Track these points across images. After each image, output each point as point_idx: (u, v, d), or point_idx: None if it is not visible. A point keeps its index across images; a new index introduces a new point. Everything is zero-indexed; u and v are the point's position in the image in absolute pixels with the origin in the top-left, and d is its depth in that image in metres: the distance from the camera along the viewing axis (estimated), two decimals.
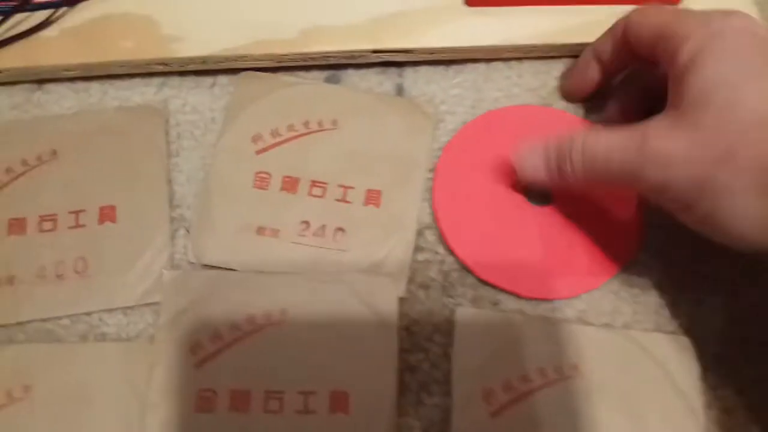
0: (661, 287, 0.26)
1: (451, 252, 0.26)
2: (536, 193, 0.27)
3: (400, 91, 0.29)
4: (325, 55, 0.29)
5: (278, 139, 0.28)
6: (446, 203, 0.27)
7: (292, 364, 0.24)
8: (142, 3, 0.28)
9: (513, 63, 0.29)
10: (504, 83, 0.29)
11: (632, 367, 0.24)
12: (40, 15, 0.28)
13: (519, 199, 0.27)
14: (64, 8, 0.28)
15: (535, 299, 0.25)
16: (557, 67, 0.29)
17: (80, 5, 0.28)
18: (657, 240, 0.26)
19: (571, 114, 0.29)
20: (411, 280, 0.25)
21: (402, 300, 0.25)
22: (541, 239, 0.26)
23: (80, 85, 0.28)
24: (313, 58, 0.29)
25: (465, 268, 0.26)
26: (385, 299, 0.25)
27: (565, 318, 0.25)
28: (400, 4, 0.29)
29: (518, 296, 0.25)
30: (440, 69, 0.29)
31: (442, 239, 0.26)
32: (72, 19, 0.28)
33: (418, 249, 0.26)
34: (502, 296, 0.25)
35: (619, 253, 0.26)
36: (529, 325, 0.25)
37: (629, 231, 0.26)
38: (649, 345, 0.24)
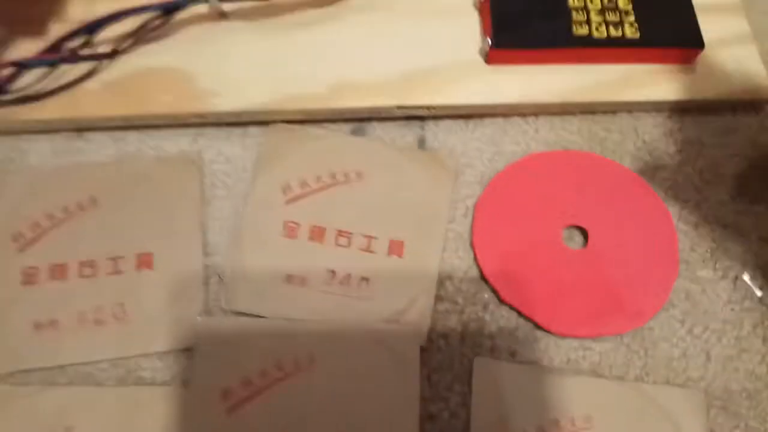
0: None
1: (493, 291, 0.27)
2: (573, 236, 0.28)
3: (422, 143, 0.31)
4: (352, 110, 0.30)
5: (306, 190, 0.29)
6: (485, 247, 0.28)
7: (320, 411, 0.25)
8: (180, 58, 0.30)
9: (530, 118, 0.31)
10: (521, 137, 0.31)
11: (643, 420, 0.25)
12: (83, 67, 0.30)
13: (557, 242, 0.28)
14: (106, 61, 0.30)
15: (566, 336, 0.27)
16: (573, 123, 0.31)
17: (121, 59, 0.30)
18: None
19: (607, 158, 0.30)
20: (431, 329, 0.27)
21: (423, 349, 0.26)
22: (577, 280, 0.27)
23: (118, 134, 0.30)
24: (340, 113, 0.30)
25: (483, 319, 0.27)
26: (408, 348, 0.26)
27: (579, 369, 0.26)
28: (423, 62, 0.30)
29: (551, 333, 0.27)
30: (460, 122, 0.31)
31: (482, 277, 0.28)
32: (113, 71, 0.30)
33: (438, 299, 0.27)
34: (518, 346, 0.26)
35: (652, 297, 0.27)
36: (545, 377, 0.26)
37: (665, 275, 0.28)
38: (660, 398, 0.26)
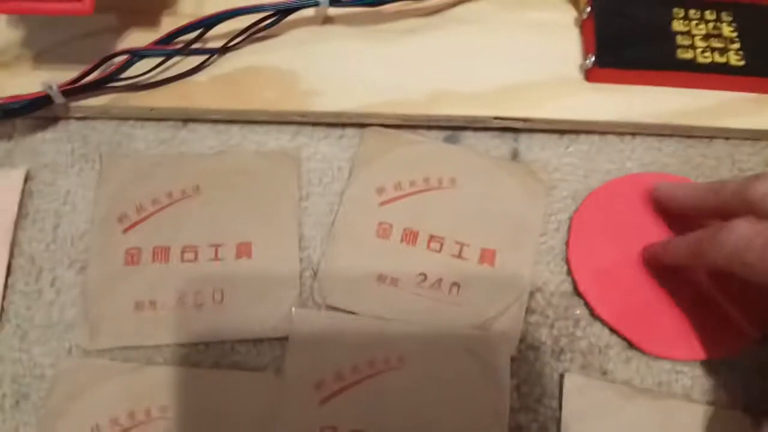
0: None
1: (587, 306, 0.27)
2: None
3: (515, 155, 0.31)
4: (448, 118, 0.30)
5: (400, 193, 0.29)
6: (581, 261, 0.28)
7: (407, 411, 0.25)
8: (286, 58, 0.31)
9: (626, 137, 0.31)
10: (617, 156, 0.31)
11: None
12: (193, 60, 0.31)
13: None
14: (215, 56, 0.31)
15: (660, 357, 0.26)
16: (669, 145, 0.31)
17: (229, 55, 0.31)
18: None
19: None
20: (521, 341, 0.27)
21: (512, 359, 0.26)
22: (674, 298, 0.27)
23: (221, 127, 0.31)
24: (436, 120, 0.31)
25: (574, 335, 0.27)
26: (499, 357, 0.26)
27: (671, 393, 0.26)
28: (522, 76, 0.31)
29: (642, 352, 0.26)
30: (554, 137, 0.31)
31: (575, 292, 0.28)
32: (221, 67, 0.31)
33: (528, 310, 0.27)
34: (611, 365, 0.26)
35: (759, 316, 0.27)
36: (636, 399, 0.25)
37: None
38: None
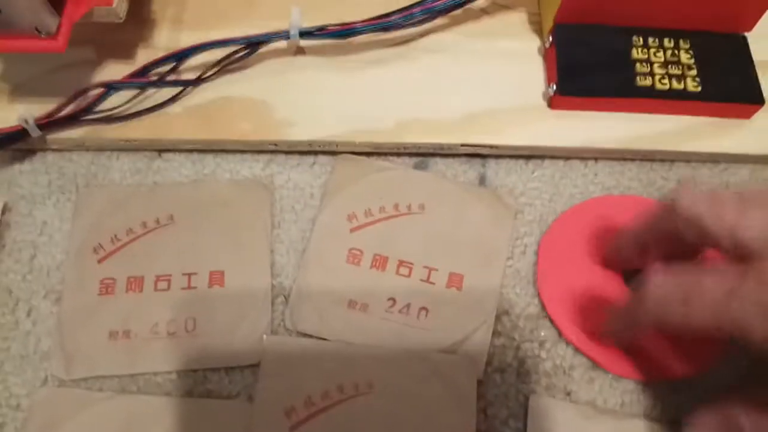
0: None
1: (554, 328, 0.28)
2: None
3: (482, 180, 0.32)
4: (417, 146, 0.31)
5: (370, 219, 0.30)
6: (548, 284, 0.29)
7: None
8: (259, 89, 0.32)
9: (589, 162, 0.32)
10: (580, 180, 0.31)
11: None
12: (168, 92, 0.31)
13: (617, 281, 0.29)
14: (190, 87, 0.32)
15: (623, 377, 0.27)
16: (631, 168, 0.32)
17: (203, 86, 0.32)
18: None
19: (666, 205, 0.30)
20: (488, 363, 0.27)
21: (479, 382, 0.27)
22: None
23: (196, 157, 0.32)
24: (405, 147, 0.31)
25: (539, 357, 0.28)
26: (466, 380, 0.27)
27: (634, 413, 0.27)
28: (488, 104, 0.32)
29: (608, 372, 0.27)
30: (521, 162, 0.32)
31: (541, 315, 0.28)
32: (195, 98, 0.32)
33: (495, 333, 0.28)
34: (574, 386, 0.27)
35: (713, 342, 0.27)
36: (598, 419, 0.26)
37: None
38: None
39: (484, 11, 0.34)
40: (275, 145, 0.31)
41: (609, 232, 0.30)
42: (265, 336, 0.27)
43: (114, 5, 0.28)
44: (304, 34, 0.31)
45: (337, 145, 0.31)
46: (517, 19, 0.34)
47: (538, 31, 0.34)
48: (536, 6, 0.34)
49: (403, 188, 0.31)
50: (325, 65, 0.33)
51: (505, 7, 0.34)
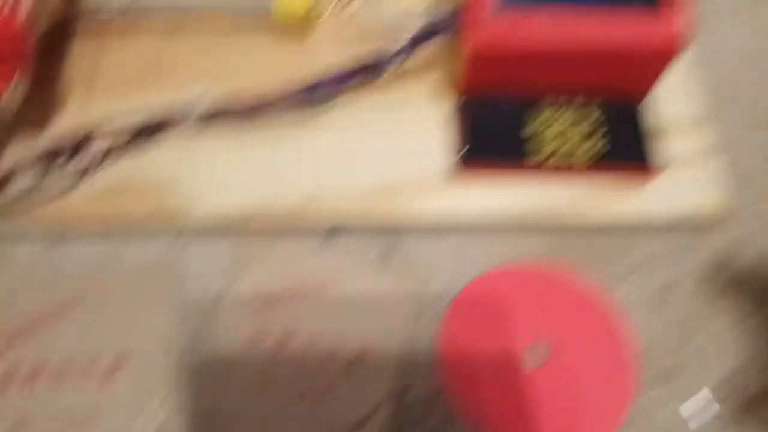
0: None
1: (452, 406, 0.28)
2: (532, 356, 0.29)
3: (389, 254, 0.32)
4: (322, 221, 0.31)
5: (276, 298, 0.30)
6: (449, 361, 0.29)
7: None
8: (162, 168, 0.32)
9: (495, 232, 0.32)
10: (487, 251, 0.32)
11: None
12: (69, 176, 0.31)
13: (517, 360, 0.29)
14: (92, 169, 0.31)
15: None
16: (536, 237, 0.32)
17: (105, 167, 0.32)
18: None
19: (571, 274, 0.31)
20: None
21: None
22: (535, 399, 0.28)
23: (98, 240, 0.31)
24: (311, 223, 0.31)
25: None
26: None
27: None
28: (393, 176, 0.32)
29: None
30: (426, 234, 0.32)
31: (442, 392, 0.28)
32: (97, 179, 0.31)
33: (396, 410, 0.28)
34: None
35: (609, 418, 0.28)
36: None
37: (624, 394, 0.28)
38: None
39: (392, 81, 0.34)
40: (179, 225, 0.31)
41: (512, 306, 0.30)
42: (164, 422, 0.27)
43: (2, 101, 0.28)
44: (205, 120, 0.31)
45: (242, 223, 0.31)
46: (425, 88, 0.34)
47: (445, 100, 0.34)
48: (444, 75, 0.35)
49: (309, 266, 0.31)
50: (231, 141, 0.33)
51: (412, 77, 0.35)
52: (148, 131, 0.31)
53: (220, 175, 0.32)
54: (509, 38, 0.29)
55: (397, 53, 0.32)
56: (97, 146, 0.31)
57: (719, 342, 0.30)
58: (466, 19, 0.29)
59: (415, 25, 0.32)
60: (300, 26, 0.35)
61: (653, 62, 0.31)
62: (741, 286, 0.31)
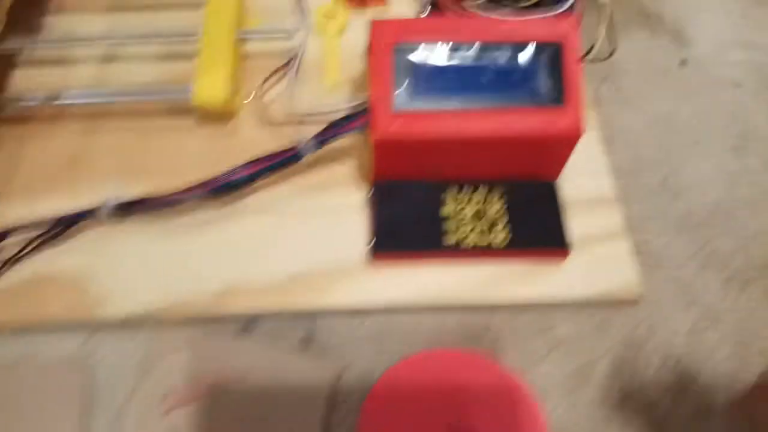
0: None
1: None
2: None
3: (308, 340, 0.32)
4: (240, 312, 0.31)
5: (187, 395, 0.30)
6: None
7: None
8: (75, 264, 0.32)
9: (412, 315, 0.32)
10: (404, 335, 0.32)
11: None
12: None
13: None
14: (2, 268, 0.31)
15: None
16: (453, 319, 0.32)
17: (16, 266, 0.31)
18: None
19: (486, 359, 0.31)
20: None
21: None
22: None
23: (8, 340, 0.31)
24: (227, 314, 0.31)
25: None
26: None
27: None
28: (312, 263, 0.32)
29: None
30: (346, 319, 0.32)
31: None
32: (8, 279, 0.31)
33: None
34: None
35: None
36: None
37: None
38: None
39: (311, 165, 0.35)
40: (90, 322, 0.31)
41: (429, 392, 0.30)
42: None
43: None
44: (119, 211, 0.31)
45: (156, 319, 0.31)
46: (344, 172, 0.35)
47: (364, 184, 0.35)
48: (361, 161, 0.35)
49: (224, 358, 0.31)
50: (146, 232, 0.33)
51: (332, 161, 0.35)
52: (63, 227, 0.31)
53: (135, 269, 0.32)
54: (411, 132, 0.30)
55: (316, 139, 0.32)
56: (11, 243, 0.31)
57: (630, 427, 0.30)
58: (372, 113, 0.30)
59: (332, 114, 0.33)
60: (221, 112, 0.36)
61: (554, 148, 0.32)
62: (649, 372, 0.32)
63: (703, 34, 0.42)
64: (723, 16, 0.43)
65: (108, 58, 0.39)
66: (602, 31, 0.35)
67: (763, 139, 0.38)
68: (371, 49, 0.31)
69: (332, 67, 0.38)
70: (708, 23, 0.43)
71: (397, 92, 0.30)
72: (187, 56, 0.36)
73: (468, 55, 0.30)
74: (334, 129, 0.32)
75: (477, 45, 0.30)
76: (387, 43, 0.30)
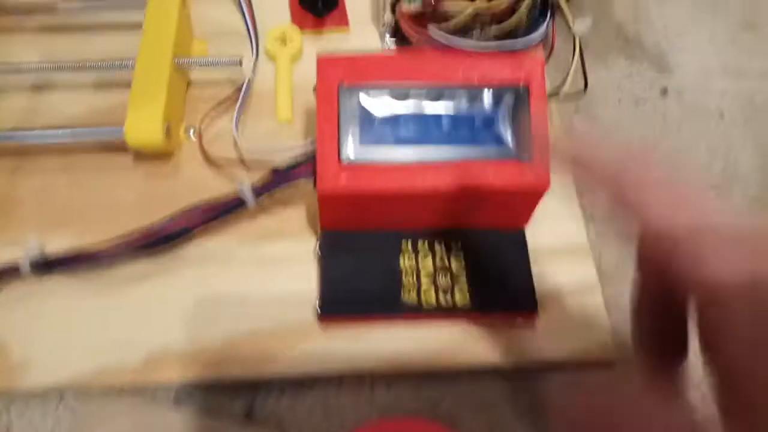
0: None
1: None
2: None
3: (250, 411, 0.29)
4: (173, 382, 0.28)
5: None
6: None
7: None
8: None
9: (366, 381, 0.29)
10: (356, 402, 0.29)
11: None
12: None
13: None
14: None
15: None
16: (409, 385, 0.29)
17: None
18: None
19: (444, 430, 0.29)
20: None
21: None
22: None
23: None
24: (159, 384, 0.28)
25: None
26: None
27: None
28: (256, 324, 0.29)
29: None
30: (293, 386, 0.29)
31: None
32: None
33: None
34: None
35: None
36: None
37: None
38: None
39: (258, 211, 0.32)
40: (9, 391, 0.28)
41: None
42: None
43: None
44: (41, 269, 0.28)
45: (81, 387, 0.28)
46: (295, 218, 0.32)
47: (317, 232, 0.32)
48: (315, 204, 0.31)
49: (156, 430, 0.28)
50: (69, 290, 0.30)
51: (283, 206, 0.32)
52: None
53: (59, 331, 0.29)
54: (359, 187, 0.27)
55: (255, 192, 0.29)
56: None
57: None
58: (317, 164, 0.27)
59: (281, 153, 0.30)
60: (158, 152, 0.33)
61: (518, 202, 0.29)
62: None
63: (686, 60, 0.40)
64: (708, 40, 0.40)
65: (38, 87, 0.35)
66: (573, 65, 0.32)
67: (745, 177, 0.36)
68: (317, 91, 0.27)
69: (283, 100, 0.35)
70: (692, 48, 0.40)
71: (344, 141, 0.27)
72: (126, 84, 0.33)
73: (423, 100, 0.27)
74: (276, 179, 0.29)
75: (433, 88, 0.27)
76: (333, 84, 0.27)
